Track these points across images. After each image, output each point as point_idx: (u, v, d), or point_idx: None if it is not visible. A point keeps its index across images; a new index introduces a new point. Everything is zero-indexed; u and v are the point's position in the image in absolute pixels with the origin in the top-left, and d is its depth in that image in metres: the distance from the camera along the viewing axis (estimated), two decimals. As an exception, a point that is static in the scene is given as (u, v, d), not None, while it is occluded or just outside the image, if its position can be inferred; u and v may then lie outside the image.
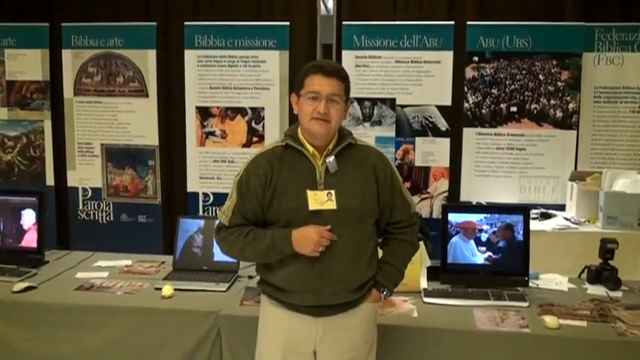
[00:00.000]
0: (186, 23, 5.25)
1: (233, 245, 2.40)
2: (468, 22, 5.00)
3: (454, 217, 3.25)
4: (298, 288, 2.34)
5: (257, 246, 2.33)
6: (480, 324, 2.78)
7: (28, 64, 5.50)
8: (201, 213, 5.28)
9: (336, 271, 2.32)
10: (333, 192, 2.28)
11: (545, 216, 4.65)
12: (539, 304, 2.98)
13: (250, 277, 3.27)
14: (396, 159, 5.08)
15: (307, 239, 2.25)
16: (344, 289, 2.35)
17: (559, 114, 4.95)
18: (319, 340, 2.38)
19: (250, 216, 2.38)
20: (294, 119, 2.46)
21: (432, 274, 3.25)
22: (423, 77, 5.03)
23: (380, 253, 2.53)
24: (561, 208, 4.87)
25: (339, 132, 2.42)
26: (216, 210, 5.11)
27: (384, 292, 2.46)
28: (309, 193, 2.28)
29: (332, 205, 2.27)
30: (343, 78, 2.37)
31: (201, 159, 5.32)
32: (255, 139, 5.23)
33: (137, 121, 5.38)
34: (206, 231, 3.44)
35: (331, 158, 2.35)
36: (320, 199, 2.27)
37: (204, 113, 5.27)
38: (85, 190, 5.50)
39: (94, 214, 5.51)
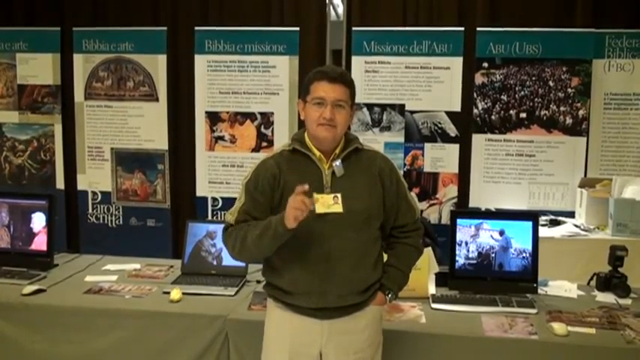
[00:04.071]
0: (196, 28, 5.27)
1: (237, 236, 2.37)
2: (478, 28, 5.00)
3: (463, 223, 3.25)
4: (304, 290, 2.35)
5: (256, 229, 2.31)
6: (488, 330, 2.77)
7: (39, 68, 5.53)
8: (209, 217, 5.29)
9: (342, 273, 2.33)
10: (339, 195, 2.28)
11: (554, 223, 4.63)
12: (547, 311, 2.97)
13: (258, 282, 3.27)
14: (404, 164, 5.07)
15: (286, 211, 2.21)
16: (350, 291, 2.36)
17: (569, 120, 4.94)
18: (325, 342, 2.39)
19: (259, 215, 2.38)
20: (302, 124, 2.47)
21: (441, 280, 3.25)
22: (432, 83, 5.03)
23: (384, 257, 2.54)
24: (571, 214, 4.85)
25: (346, 136, 2.44)
26: (224, 214, 5.11)
27: (389, 295, 2.48)
28: (316, 197, 2.28)
29: (338, 208, 2.27)
30: (348, 83, 2.38)
31: (211, 163, 5.33)
32: (264, 144, 5.24)
33: (147, 126, 5.40)
34: (215, 235, 3.45)
35: (338, 162, 2.36)
36: (327, 202, 2.28)
37: (213, 118, 5.28)
38: (94, 193, 5.52)
39: (103, 217, 5.53)
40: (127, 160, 5.47)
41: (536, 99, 4.97)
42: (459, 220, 3.27)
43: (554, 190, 4.98)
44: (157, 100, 5.37)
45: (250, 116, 5.25)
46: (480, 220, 3.26)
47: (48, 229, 3.62)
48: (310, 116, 2.35)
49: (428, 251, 3.16)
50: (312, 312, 2.36)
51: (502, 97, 4.99)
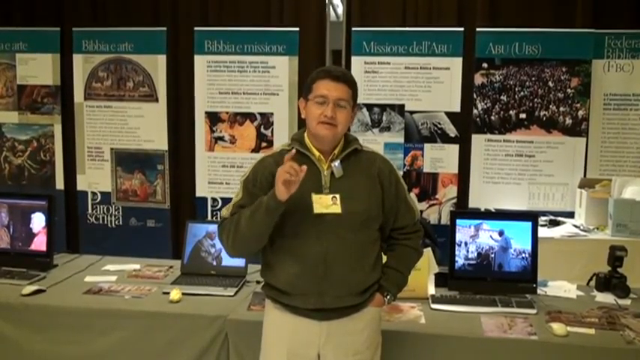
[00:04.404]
0: (196, 29, 5.26)
1: (231, 224, 2.35)
2: (478, 29, 5.00)
3: (462, 224, 3.25)
4: (302, 290, 2.34)
5: (249, 208, 2.30)
6: (488, 331, 2.78)
7: (38, 69, 5.53)
8: (209, 218, 5.29)
9: (340, 274, 2.33)
10: (338, 196, 2.29)
11: (554, 223, 4.63)
12: (547, 312, 2.97)
13: (258, 282, 3.27)
14: (404, 165, 5.07)
15: (276, 178, 2.19)
16: (348, 292, 2.36)
17: (568, 121, 4.94)
18: (323, 343, 2.38)
19: None
20: (302, 125, 2.48)
21: (440, 280, 3.25)
22: (432, 83, 5.03)
23: (384, 258, 2.54)
24: (570, 215, 4.85)
25: (345, 137, 2.44)
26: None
27: (388, 297, 2.48)
28: (314, 197, 2.29)
29: (337, 209, 2.28)
30: (351, 83, 2.39)
31: (210, 164, 5.33)
32: (264, 144, 5.24)
33: (146, 126, 5.40)
34: (214, 236, 3.45)
35: (337, 163, 2.36)
36: (325, 203, 2.28)
37: (213, 118, 5.28)
38: (94, 194, 5.52)
39: (103, 218, 5.53)
40: (127, 161, 5.47)
41: (535, 99, 4.97)
42: (458, 221, 3.27)
43: (554, 190, 4.98)
44: (156, 100, 5.37)
45: (250, 117, 5.25)
46: (480, 221, 3.27)
47: (48, 230, 3.62)
48: (312, 114, 2.35)
49: (427, 252, 3.16)
50: (309, 313, 2.36)
51: (502, 97, 4.99)
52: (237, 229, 2.33)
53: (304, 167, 2.18)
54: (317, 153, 2.38)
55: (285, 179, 2.15)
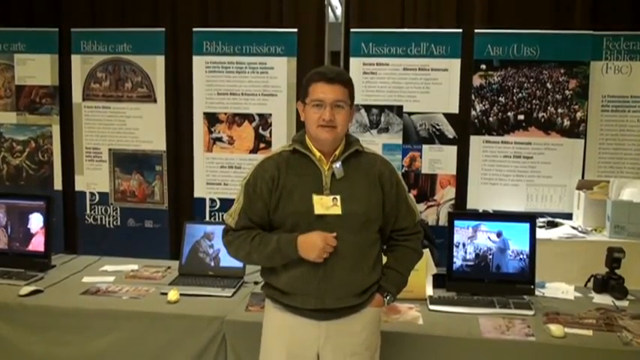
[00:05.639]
0: (194, 29, 5.26)
1: (240, 249, 2.42)
2: (476, 30, 4.99)
3: (460, 225, 3.25)
4: (302, 291, 2.35)
5: (263, 250, 2.34)
6: (486, 332, 2.78)
7: (37, 69, 5.51)
8: (207, 218, 5.28)
9: (340, 276, 2.34)
10: (338, 197, 2.30)
11: (551, 224, 4.63)
12: (545, 313, 2.98)
13: (256, 283, 3.28)
14: (402, 166, 5.07)
15: (312, 245, 2.26)
16: (347, 293, 2.37)
17: (566, 122, 4.94)
18: (322, 343, 2.39)
19: (257, 219, 2.40)
20: (301, 126, 2.48)
21: (438, 281, 3.25)
22: (430, 85, 5.03)
23: (384, 259, 2.54)
24: (568, 216, 4.85)
25: (346, 139, 2.44)
26: (222, 215, 5.11)
27: (388, 297, 2.48)
28: (315, 198, 2.29)
29: (337, 210, 2.28)
30: (346, 83, 2.39)
31: (208, 165, 5.32)
32: (262, 145, 5.23)
33: (145, 127, 5.39)
34: (212, 236, 3.46)
35: (338, 164, 2.36)
36: (325, 204, 2.29)
37: (211, 119, 5.28)
38: (92, 194, 5.51)
39: (101, 218, 5.52)
40: (125, 161, 5.46)
41: (534, 101, 4.97)
42: (456, 222, 3.28)
43: (552, 192, 4.98)
44: (155, 101, 5.36)
45: (248, 117, 5.24)
46: (478, 222, 3.27)
47: (46, 230, 3.63)
48: (310, 118, 2.36)
49: (426, 253, 3.16)
50: (309, 313, 2.37)
51: (500, 99, 4.99)
52: (248, 258, 2.45)
53: (335, 241, 2.29)
54: (318, 154, 2.39)
55: (314, 258, 2.28)
